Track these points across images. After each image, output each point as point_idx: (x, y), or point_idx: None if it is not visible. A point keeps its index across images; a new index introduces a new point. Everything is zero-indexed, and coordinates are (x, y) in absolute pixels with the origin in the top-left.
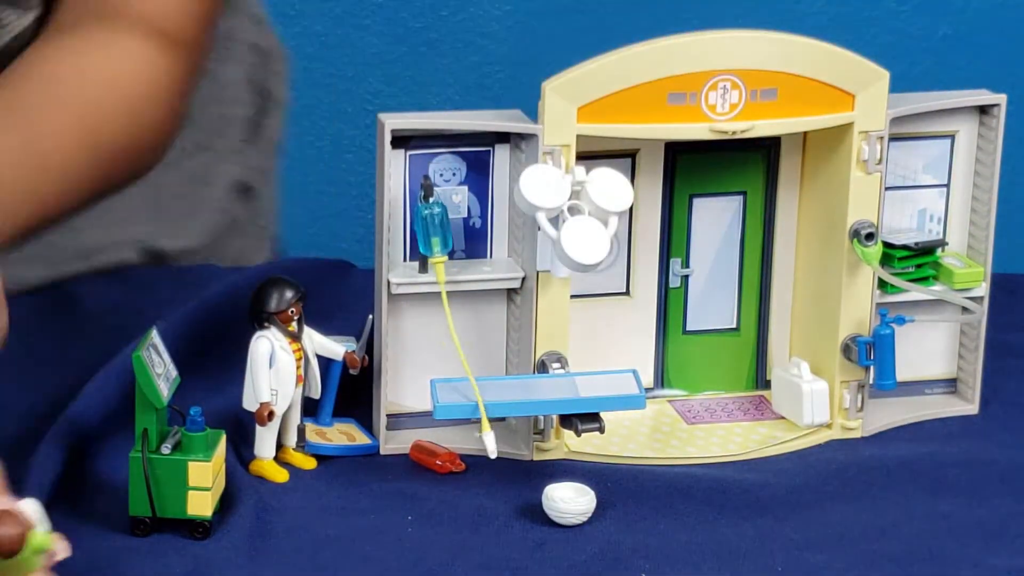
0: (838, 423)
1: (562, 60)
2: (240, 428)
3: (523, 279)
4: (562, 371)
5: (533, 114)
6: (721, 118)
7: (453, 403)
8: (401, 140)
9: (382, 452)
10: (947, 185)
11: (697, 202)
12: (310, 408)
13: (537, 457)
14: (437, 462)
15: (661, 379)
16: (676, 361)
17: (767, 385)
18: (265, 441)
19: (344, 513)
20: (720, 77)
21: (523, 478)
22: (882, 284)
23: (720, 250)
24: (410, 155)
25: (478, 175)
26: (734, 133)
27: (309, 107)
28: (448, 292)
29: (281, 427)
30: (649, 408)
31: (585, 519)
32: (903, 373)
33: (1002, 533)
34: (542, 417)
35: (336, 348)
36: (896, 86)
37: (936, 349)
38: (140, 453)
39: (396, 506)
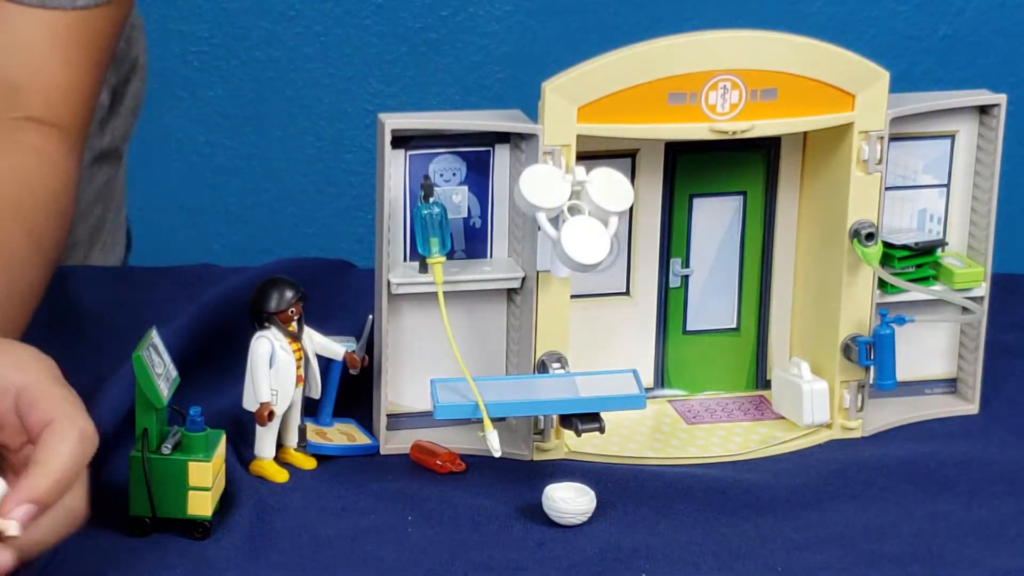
0: (838, 423)
1: (562, 60)
2: (240, 428)
3: (523, 279)
4: (562, 371)
5: (533, 114)
6: (721, 118)
7: (453, 403)
8: (401, 140)
9: (382, 452)
10: (947, 185)
11: (697, 202)
12: (310, 408)
13: (537, 457)
14: (437, 462)
15: (661, 379)
16: (676, 361)
17: (767, 385)
18: (265, 441)
19: (344, 513)
20: (720, 77)
21: (523, 478)
22: (882, 284)
23: (720, 250)
24: (410, 155)
25: (478, 175)
26: (734, 133)
27: (309, 107)
28: (448, 292)
29: (281, 427)
30: (649, 408)
31: (585, 519)
32: (903, 373)
33: (1002, 533)
34: (542, 417)
35: (336, 348)
36: (896, 86)
37: (936, 349)
38: (140, 453)
39: (396, 506)
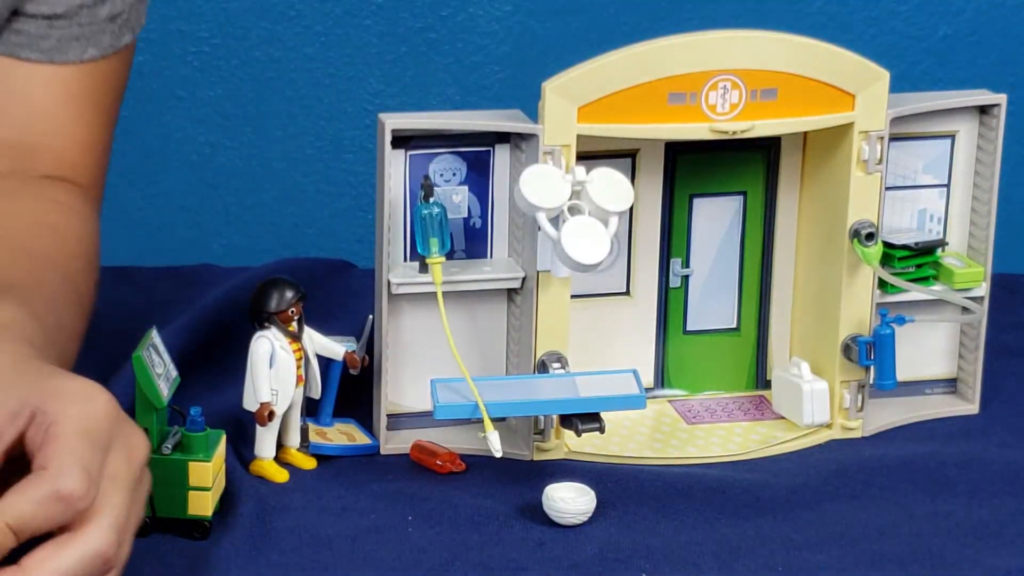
0: (838, 423)
1: (562, 60)
2: (240, 428)
3: (523, 279)
4: (562, 371)
5: (533, 114)
6: (721, 118)
7: (453, 403)
8: (401, 140)
9: (382, 452)
10: (947, 185)
11: (697, 202)
12: (310, 408)
13: (537, 457)
14: (437, 462)
15: (661, 379)
16: (676, 361)
17: (767, 385)
18: (265, 441)
19: (344, 513)
20: (720, 77)
21: (523, 478)
22: (882, 284)
23: (720, 250)
24: (410, 155)
25: (478, 175)
26: (734, 133)
27: (309, 107)
28: (448, 292)
29: (281, 427)
30: (649, 408)
31: (585, 519)
32: (903, 373)
33: (1002, 533)
34: (542, 417)
35: (336, 348)
36: (896, 86)
37: (936, 349)
38: None
39: (396, 506)
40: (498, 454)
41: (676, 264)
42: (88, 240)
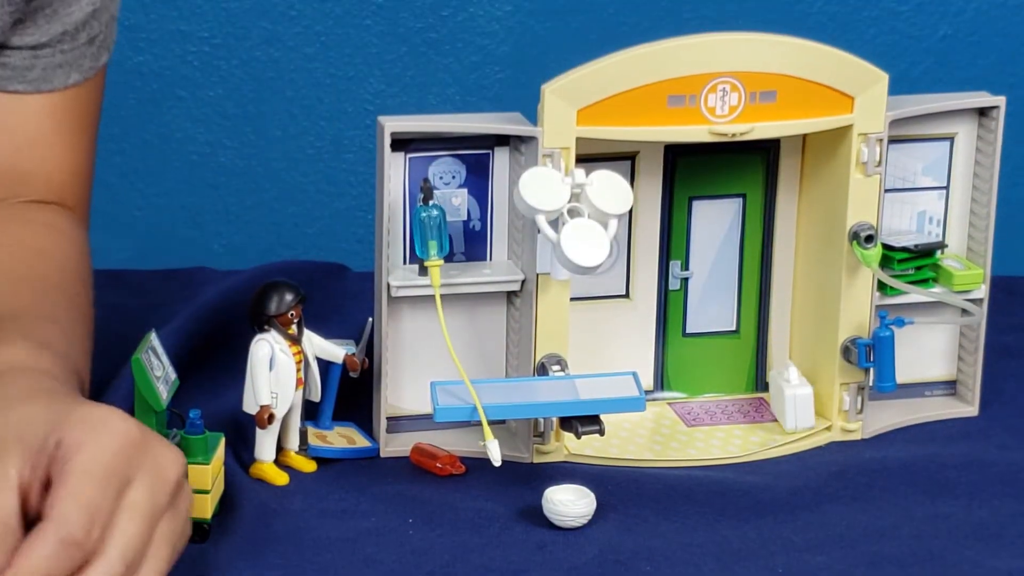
0: (838, 425)
1: (562, 60)
2: (240, 431)
3: (523, 282)
4: (562, 373)
5: (533, 116)
6: (720, 120)
7: (453, 406)
8: (401, 143)
9: (382, 455)
10: (946, 187)
11: (697, 204)
12: (310, 411)
13: (537, 459)
14: (437, 464)
15: (661, 381)
16: (676, 363)
17: (767, 387)
18: (265, 444)
19: (345, 516)
20: (719, 79)
21: (523, 480)
22: (882, 286)
23: (720, 252)
24: (410, 158)
25: (478, 178)
26: (733, 135)
27: (309, 107)
28: (448, 295)
29: (281, 430)
30: (649, 410)
31: (585, 522)
32: (903, 375)
33: (1002, 535)
34: (542, 419)
35: (336, 351)
36: (896, 86)
37: (936, 351)
38: None
39: (397, 508)
40: (497, 463)
41: (675, 266)
42: (81, 260)
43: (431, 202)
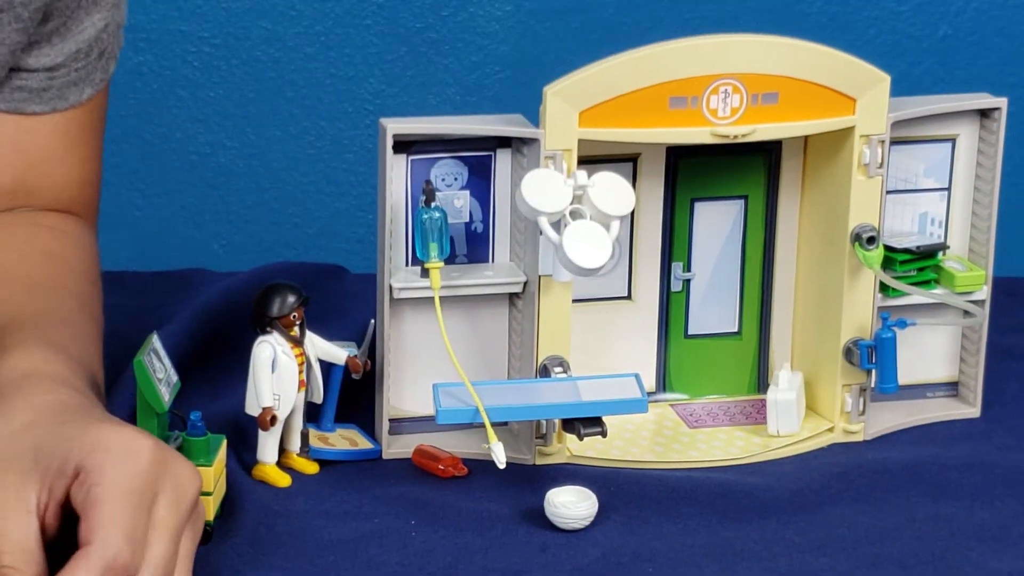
0: (840, 426)
1: (563, 60)
2: (242, 432)
3: (525, 283)
4: (564, 375)
5: (534, 118)
6: (722, 122)
7: (455, 407)
8: (403, 145)
9: (384, 456)
10: (948, 189)
11: (698, 206)
12: (312, 413)
13: (539, 461)
14: (440, 466)
15: (663, 383)
16: (678, 365)
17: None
18: (268, 446)
19: (347, 517)
20: (721, 81)
21: (526, 482)
22: (883, 288)
23: (721, 254)
24: (412, 160)
25: (480, 180)
26: (735, 137)
27: (309, 107)
28: (450, 296)
29: (283, 432)
30: (651, 412)
31: (587, 523)
32: (905, 376)
33: (1004, 536)
34: (544, 421)
35: (338, 352)
36: (897, 87)
37: (938, 352)
38: None
39: (399, 510)
40: (502, 466)
41: (677, 268)
42: (90, 262)
43: (433, 204)
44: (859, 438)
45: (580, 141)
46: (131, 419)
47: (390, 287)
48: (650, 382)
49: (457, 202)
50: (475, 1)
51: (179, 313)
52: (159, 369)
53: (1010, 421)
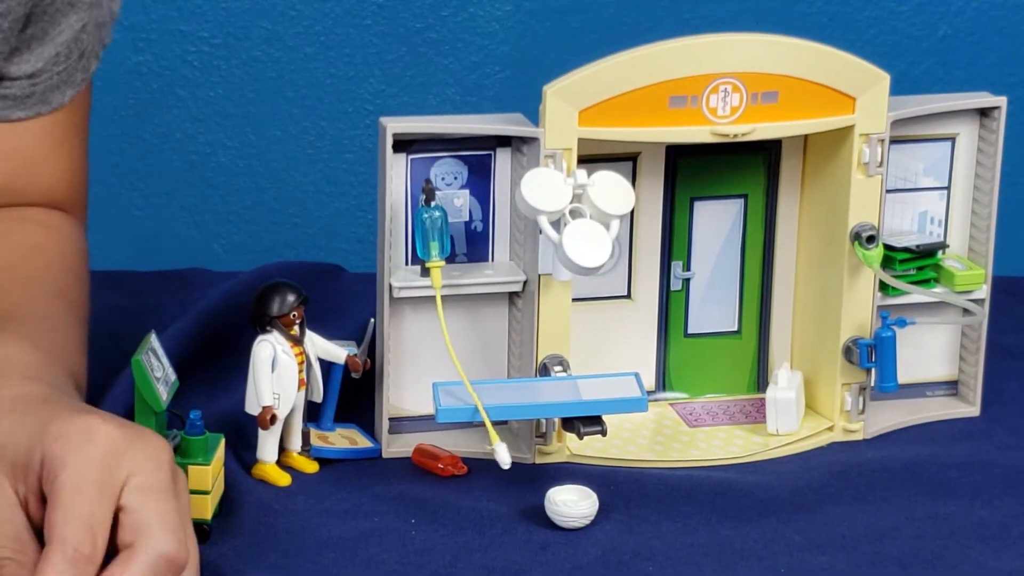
0: (840, 425)
1: (563, 60)
2: (241, 432)
3: (525, 282)
4: (564, 374)
5: (534, 117)
6: (722, 121)
7: (455, 406)
8: (403, 144)
9: (384, 455)
10: (948, 188)
11: (698, 205)
12: (312, 412)
13: (539, 460)
14: (440, 465)
15: (662, 382)
16: (677, 364)
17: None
18: (267, 445)
19: (347, 516)
20: (721, 80)
21: (526, 481)
22: (883, 286)
23: (721, 253)
24: (411, 159)
25: (480, 179)
26: (735, 136)
27: (309, 107)
28: (450, 295)
29: (283, 431)
30: (651, 411)
31: (587, 522)
32: (904, 375)
33: (1004, 535)
34: (544, 420)
35: (338, 352)
36: (897, 86)
37: (937, 351)
38: None
39: (399, 509)
40: (506, 466)
41: (677, 267)
42: (76, 255)
43: (433, 203)
44: (859, 437)
45: (580, 140)
46: (129, 417)
47: (390, 286)
48: (650, 381)
49: (457, 201)
50: (475, 1)
51: (179, 313)
52: (157, 368)
53: (1010, 420)
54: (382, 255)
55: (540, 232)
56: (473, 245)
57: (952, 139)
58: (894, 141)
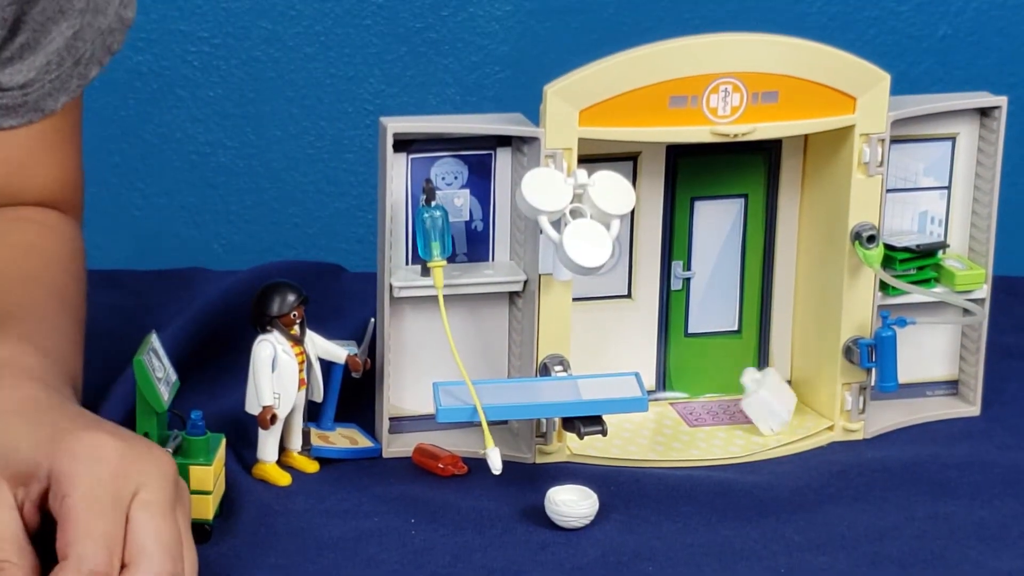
0: (840, 425)
1: (563, 60)
2: (242, 431)
3: (525, 282)
4: (564, 374)
5: (534, 117)
6: (722, 121)
7: (455, 406)
8: (403, 144)
9: (384, 455)
10: (948, 187)
11: (698, 205)
12: (312, 412)
13: (539, 460)
14: (440, 465)
15: (663, 382)
16: (678, 364)
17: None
18: (268, 444)
19: (347, 516)
20: (721, 80)
21: (526, 481)
22: (883, 286)
23: (721, 253)
24: (412, 159)
25: (480, 178)
26: (735, 136)
27: (309, 107)
28: (450, 295)
29: (284, 430)
30: (651, 411)
31: (587, 522)
32: (904, 375)
33: (1004, 535)
34: (544, 420)
35: (338, 351)
36: (897, 86)
37: (937, 351)
38: None
39: (399, 509)
40: (497, 471)
41: (677, 267)
42: (73, 255)
43: (433, 203)
44: (859, 437)
45: (580, 140)
46: (130, 418)
47: (390, 286)
48: (650, 381)
49: (457, 201)
50: (475, 1)
51: (178, 313)
52: (158, 368)
53: (1010, 420)
54: (382, 255)
55: (540, 232)
56: (473, 245)
57: (952, 139)
58: (894, 141)
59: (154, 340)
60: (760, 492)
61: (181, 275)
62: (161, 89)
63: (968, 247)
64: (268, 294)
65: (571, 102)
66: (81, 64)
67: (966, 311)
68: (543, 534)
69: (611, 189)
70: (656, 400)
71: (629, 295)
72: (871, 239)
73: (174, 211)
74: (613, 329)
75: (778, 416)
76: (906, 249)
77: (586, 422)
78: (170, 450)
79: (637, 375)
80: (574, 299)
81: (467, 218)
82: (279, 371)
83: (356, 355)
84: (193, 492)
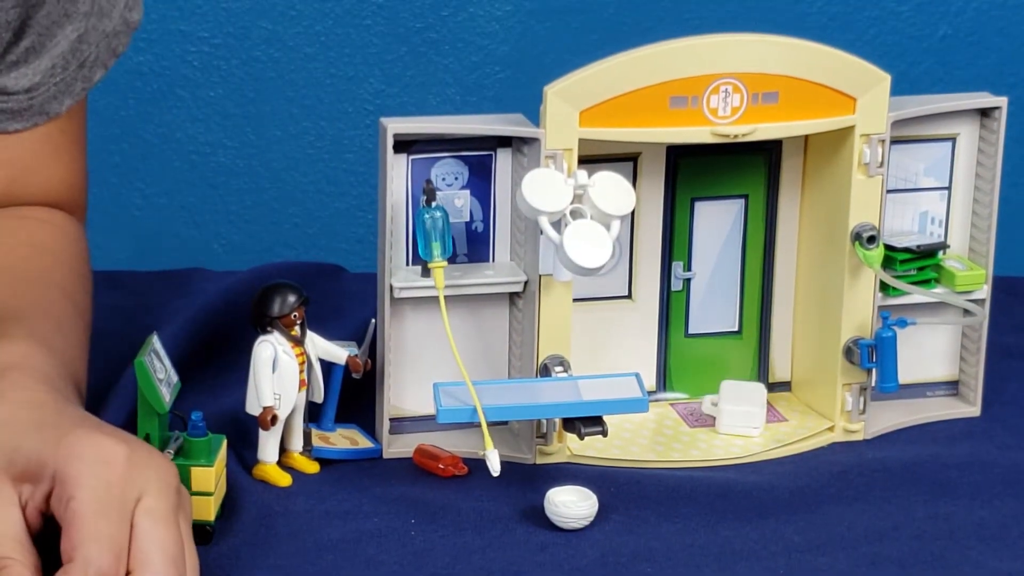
0: (840, 426)
1: (563, 60)
2: (242, 432)
3: (525, 283)
4: (565, 374)
5: (534, 117)
6: (723, 121)
7: (455, 407)
8: (403, 144)
9: (385, 456)
10: (948, 188)
11: (699, 205)
12: (313, 413)
13: (540, 460)
14: (440, 466)
15: (663, 382)
16: (678, 364)
17: (769, 388)
18: (268, 445)
19: (347, 516)
20: (722, 80)
21: (526, 481)
22: (884, 287)
23: (722, 253)
24: (412, 159)
25: (480, 179)
26: (736, 136)
27: (309, 107)
28: (450, 296)
29: (284, 431)
30: (651, 411)
31: (587, 523)
32: (905, 375)
33: (1004, 535)
34: (545, 420)
35: (339, 352)
36: (897, 86)
37: (938, 351)
38: None
39: (399, 509)
40: (496, 473)
41: (678, 267)
42: (78, 255)
43: (434, 203)
44: (859, 437)
45: (580, 141)
46: (131, 419)
47: (391, 287)
48: (650, 381)
49: (457, 201)
50: (475, 1)
51: (179, 313)
52: (160, 369)
53: (1010, 420)
54: (383, 255)
55: (541, 232)
56: (474, 245)
57: (952, 139)
58: (895, 141)
59: (155, 341)
60: (760, 493)
61: (181, 275)
62: (161, 89)
63: (968, 247)
64: (268, 295)
65: (571, 103)
66: (86, 67)
67: (966, 311)
68: (543, 535)
69: (611, 190)
70: (656, 401)
71: (629, 296)
72: (871, 240)
73: (174, 211)
74: (613, 330)
75: (753, 418)
76: (906, 249)
77: (586, 423)
78: (172, 451)
79: (637, 376)
80: (574, 300)
81: (467, 219)
82: (279, 372)
83: (356, 356)
84: (194, 493)
